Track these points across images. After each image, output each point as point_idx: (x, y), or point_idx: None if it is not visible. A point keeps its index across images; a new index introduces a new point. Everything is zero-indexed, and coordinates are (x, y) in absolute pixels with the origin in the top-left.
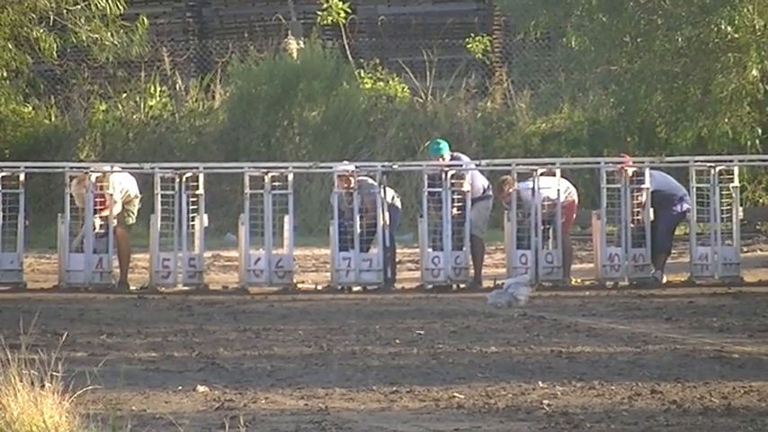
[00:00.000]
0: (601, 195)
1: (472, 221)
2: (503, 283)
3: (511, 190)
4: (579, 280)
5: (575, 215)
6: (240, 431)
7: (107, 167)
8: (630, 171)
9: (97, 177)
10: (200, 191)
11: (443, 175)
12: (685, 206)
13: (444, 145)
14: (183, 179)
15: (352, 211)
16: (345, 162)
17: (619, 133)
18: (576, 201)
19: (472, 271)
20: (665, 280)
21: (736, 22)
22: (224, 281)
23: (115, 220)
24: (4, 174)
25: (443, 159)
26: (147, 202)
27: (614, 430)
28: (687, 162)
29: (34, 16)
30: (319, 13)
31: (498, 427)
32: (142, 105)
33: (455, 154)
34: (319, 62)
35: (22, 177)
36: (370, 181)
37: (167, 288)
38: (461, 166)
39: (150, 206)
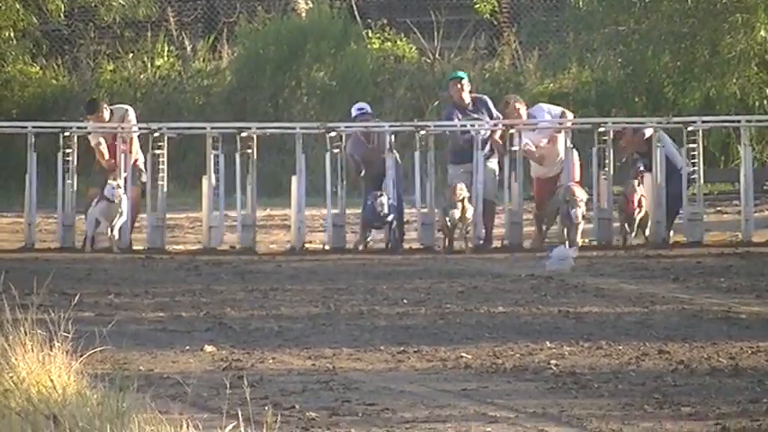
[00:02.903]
0: (608, 156)
1: (485, 185)
2: (553, 249)
3: (518, 105)
4: (587, 240)
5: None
6: (246, 391)
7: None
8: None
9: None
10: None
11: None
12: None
13: (464, 73)
14: None
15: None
16: (361, 103)
17: (626, 94)
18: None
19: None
20: (672, 240)
21: None
22: (232, 241)
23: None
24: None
25: (461, 86)
26: None
27: (621, 390)
28: (695, 123)
29: None
30: None
31: (505, 387)
32: (149, 65)
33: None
34: (327, 23)
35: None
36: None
37: (175, 248)
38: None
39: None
